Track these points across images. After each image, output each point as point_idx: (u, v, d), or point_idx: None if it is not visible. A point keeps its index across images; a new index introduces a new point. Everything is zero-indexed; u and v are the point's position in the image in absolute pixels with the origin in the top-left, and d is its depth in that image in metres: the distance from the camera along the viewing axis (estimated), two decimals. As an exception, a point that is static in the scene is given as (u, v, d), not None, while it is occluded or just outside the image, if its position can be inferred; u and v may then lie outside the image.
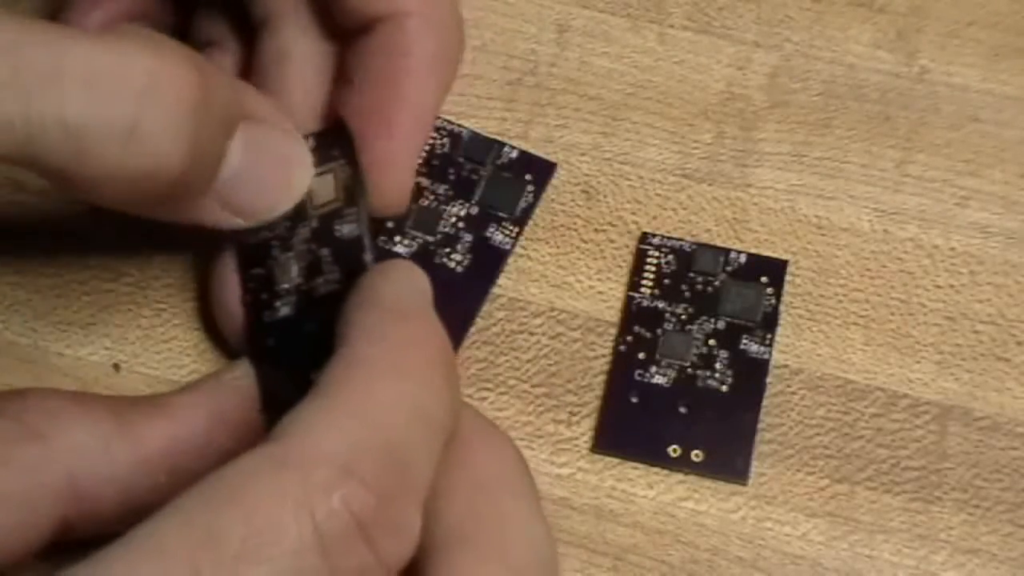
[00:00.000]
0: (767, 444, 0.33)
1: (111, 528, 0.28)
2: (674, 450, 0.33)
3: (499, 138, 0.36)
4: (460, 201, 0.35)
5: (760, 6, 0.38)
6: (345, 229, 0.32)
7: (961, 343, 0.34)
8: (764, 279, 0.35)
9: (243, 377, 0.31)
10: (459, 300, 0.34)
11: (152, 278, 0.35)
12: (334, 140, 0.32)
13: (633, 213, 0.36)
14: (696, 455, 0.33)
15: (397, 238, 0.35)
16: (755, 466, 0.33)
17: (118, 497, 0.28)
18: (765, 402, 0.33)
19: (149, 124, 0.28)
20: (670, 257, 0.35)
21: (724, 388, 0.33)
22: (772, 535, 0.32)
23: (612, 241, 0.35)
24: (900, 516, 0.32)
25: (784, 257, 0.35)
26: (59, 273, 0.35)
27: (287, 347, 0.32)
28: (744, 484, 0.33)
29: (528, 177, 0.36)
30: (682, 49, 0.38)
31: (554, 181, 0.36)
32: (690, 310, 0.34)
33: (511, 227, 0.35)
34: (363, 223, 0.32)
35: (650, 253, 0.35)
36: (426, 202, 0.35)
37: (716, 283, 0.35)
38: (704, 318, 0.34)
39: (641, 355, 0.34)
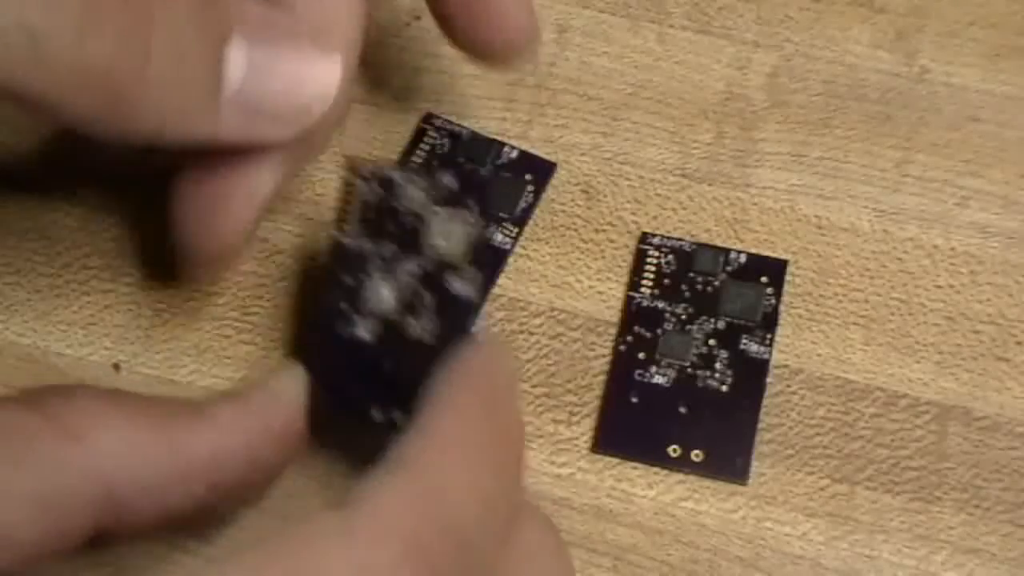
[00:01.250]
0: (767, 444, 0.33)
1: (145, 535, 0.28)
2: (674, 450, 0.33)
3: (499, 138, 0.36)
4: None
5: (760, 6, 0.38)
6: (458, 287, 0.30)
7: (961, 343, 0.34)
8: (764, 279, 0.35)
9: (293, 389, 0.30)
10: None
11: (152, 278, 0.35)
12: (475, 192, 0.31)
13: (633, 213, 0.36)
14: (696, 455, 0.33)
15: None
16: (755, 466, 0.33)
17: (154, 506, 0.28)
18: (765, 402, 0.33)
19: (97, 24, 0.27)
20: (670, 257, 0.35)
21: (724, 388, 0.33)
22: (772, 535, 0.32)
23: (612, 241, 0.35)
24: (900, 516, 0.32)
25: (784, 257, 0.35)
26: (59, 273, 0.35)
27: (353, 370, 0.30)
28: (744, 484, 0.33)
29: (528, 177, 0.36)
30: (682, 49, 0.38)
31: (554, 181, 0.36)
32: (690, 310, 0.34)
33: (511, 227, 0.35)
34: (481, 291, 0.31)
35: (650, 253, 0.35)
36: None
37: (716, 283, 0.35)
38: (704, 318, 0.34)
39: (641, 355, 0.34)
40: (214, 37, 0.29)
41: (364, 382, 0.30)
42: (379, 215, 0.31)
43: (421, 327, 0.30)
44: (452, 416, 0.27)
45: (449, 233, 0.31)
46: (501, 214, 0.35)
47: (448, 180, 0.31)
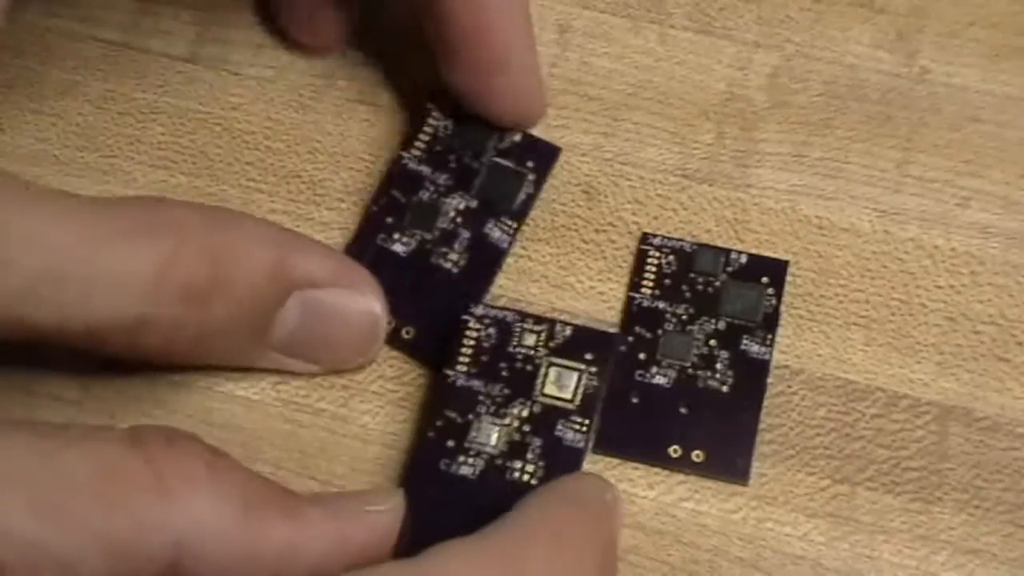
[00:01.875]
0: (768, 444, 0.33)
1: None
2: (675, 450, 0.33)
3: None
4: (459, 193, 0.35)
5: (761, 6, 0.38)
6: (569, 435, 0.31)
7: (962, 343, 0.34)
8: (765, 279, 0.35)
9: (388, 512, 0.30)
10: (456, 302, 0.34)
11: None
12: (595, 345, 0.32)
13: (634, 213, 0.36)
14: (697, 455, 0.33)
15: (396, 235, 0.35)
16: (756, 466, 0.33)
17: None
18: (766, 402, 0.33)
19: (156, 317, 0.29)
20: (671, 257, 0.35)
21: (725, 388, 0.33)
22: (773, 535, 0.32)
23: (613, 241, 0.35)
24: (901, 516, 0.32)
25: (785, 257, 0.35)
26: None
27: (450, 506, 0.31)
28: (745, 484, 0.33)
29: (530, 164, 0.36)
30: (683, 50, 0.38)
31: (554, 181, 0.36)
32: (691, 310, 0.34)
33: (509, 222, 0.35)
34: (590, 439, 0.32)
35: (651, 253, 0.35)
36: (426, 195, 0.35)
37: (717, 283, 0.34)
38: (705, 318, 0.34)
39: (642, 355, 0.34)
40: (275, 301, 0.31)
41: (460, 520, 0.30)
42: (492, 356, 0.32)
43: (525, 471, 0.31)
44: (542, 510, 0.28)
45: (563, 384, 0.32)
46: (499, 208, 0.35)
47: (569, 331, 0.32)
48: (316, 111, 0.37)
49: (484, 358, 0.32)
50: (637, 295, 0.35)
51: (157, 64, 0.38)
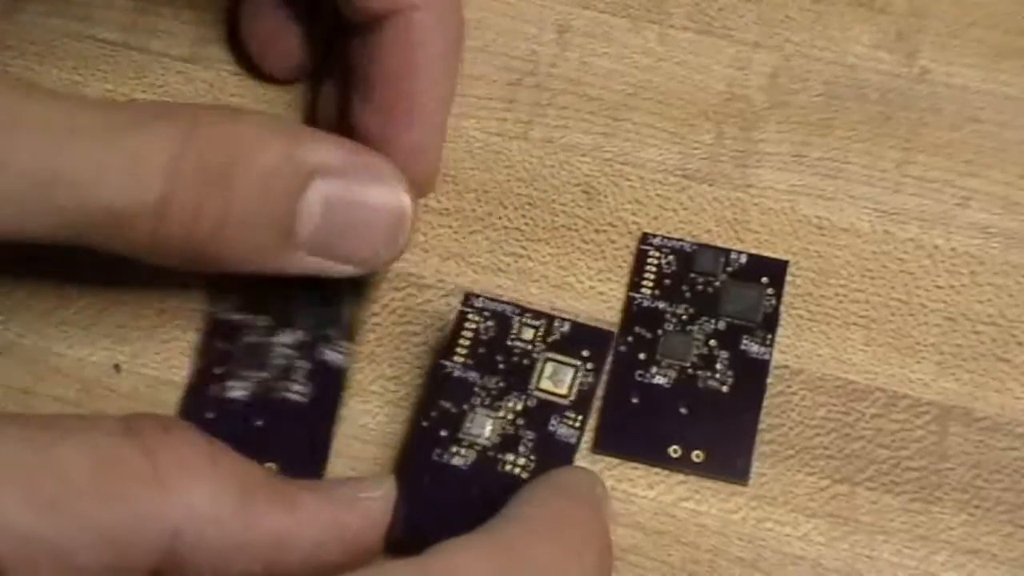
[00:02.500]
0: (767, 444, 0.33)
1: None
2: (674, 450, 0.33)
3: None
4: (288, 329, 0.34)
5: (760, 6, 0.38)
6: (562, 431, 0.31)
7: (962, 343, 0.34)
8: (764, 279, 0.35)
9: (382, 499, 0.30)
10: (307, 428, 0.33)
11: (153, 278, 0.35)
12: (592, 341, 0.32)
13: (633, 214, 0.36)
14: (697, 455, 0.33)
15: (230, 383, 0.33)
16: (755, 466, 0.33)
17: (211, 570, 0.28)
18: (765, 403, 0.33)
19: (176, 198, 0.29)
20: (671, 257, 0.35)
21: (725, 388, 0.33)
22: (772, 535, 0.32)
23: (612, 241, 0.35)
24: (900, 516, 0.32)
25: (784, 258, 0.35)
26: (59, 273, 0.35)
27: (441, 495, 0.31)
28: (744, 484, 0.33)
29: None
30: (683, 50, 0.38)
31: (554, 181, 0.36)
32: (690, 310, 0.34)
33: (344, 344, 0.34)
34: (583, 435, 0.32)
35: (650, 253, 0.35)
36: (251, 339, 0.34)
37: (716, 283, 0.34)
38: (704, 319, 0.34)
39: (641, 355, 0.34)
40: (294, 188, 0.31)
41: (450, 510, 0.30)
42: (489, 349, 0.32)
43: (516, 463, 0.31)
44: (542, 506, 0.28)
45: (559, 379, 0.32)
46: (330, 332, 0.34)
47: (567, 327, 0.32)
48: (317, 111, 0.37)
49: (481, 350, 0.32)
50: (637, 295, 0.35)
51: (157, 64, 0.38)
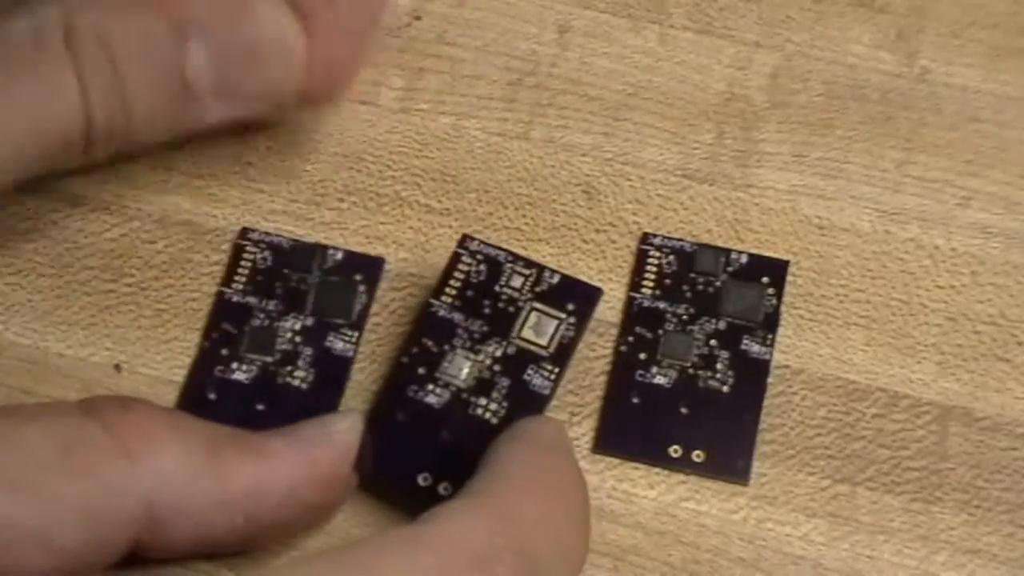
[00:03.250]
0: (768, 444, 0.33)
1: (181, 556, 0.28)
2: (675, 450, 0.33)
3: (323, 241, 0.35)
4: (293, 314, 0.34)
5: (761, 6, 0.38)
6: (537, 381, 0.32)
7: (962, 344, 0.34)
8: (765, 279, 0.35)
9: (348, 431, 0.30)
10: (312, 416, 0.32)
11: (152, 278, 0.35)
12: (579, 296, 0.32)
13: (634, 213, 0.36)
14: (697, 455, 0.33)
15: (234, 365, 0.33)
16: (756, 466, 0.33)
17: (193, 530, 0.28)
18: (766, 403, 0.33)
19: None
20: (671, 257, 0.35)
21: (725, 389, 0.33)
22: (773, 535, 0.32)
23: (613, 241, 0.35)
24: (901, 517, 0.32)
25: (785, 257, 0.35)
26: (59, 274, 0.35)
27: (413, 432, 0.31)
28: (745, 484, 0.33)
29: (358, 277, 0.34)
30: (683, 49, 0.38)
31: (554, 181, 0.36)
32: (691, 310, 0.34)
33: (350, 332, 0.34)
34: (556, 387, 0.32)
35: (651, 253, 0.35)
36: (257, 321, 0.34)
37: (717, 283, 0.34)
38: (705, 318, 0.34)
39: (642, 355, 0.34)
40: (174, 48, 0.31)
41: (421, 447, 0.31)
42: (477, 292, 0.32)
43: (488, 408, 0.31)
44: (521, 462, 0.28)
45: (541, 326, 0.32)
46: (338, 320, 0.34)
47: (551, 275, 0.33)
48: (316, 111, 0.37)
49: (469, 293, 0.32)
50: (637, 295, 0.35)
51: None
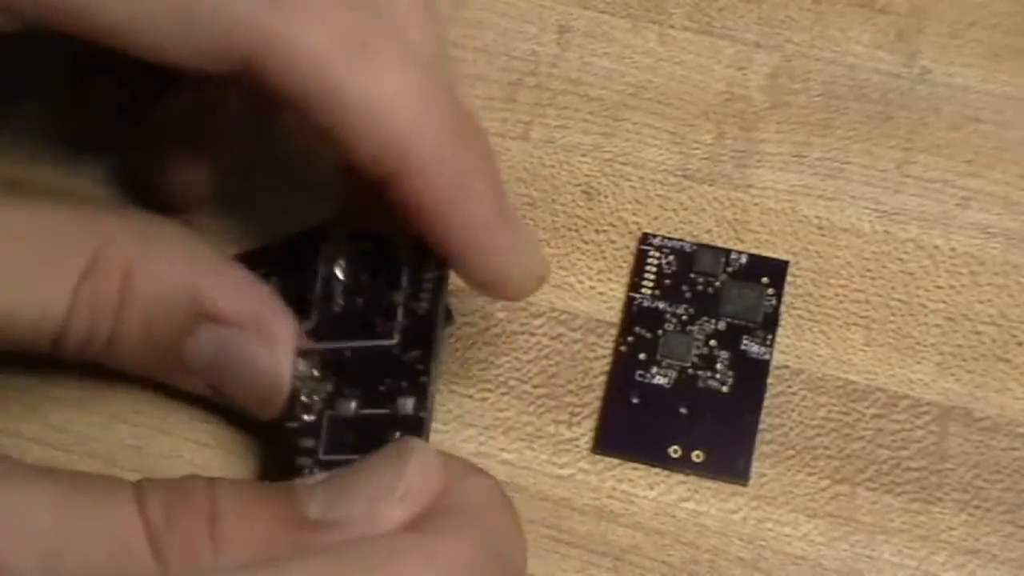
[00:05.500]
0: (768, 445, 0.33)
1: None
2: (675, 451, 0.33)
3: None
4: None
5: (761, 7, 0.38)
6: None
7: (962, 344, 0.34)
8: (765, 280, 0.35)
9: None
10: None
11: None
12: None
13: (634, 214, 0.36)
14: (697, 456, 0.33)
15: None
16: (756, 467, 0.33)
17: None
18: (766, 403, 0.33)
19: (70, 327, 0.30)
20: (671, 258, 0.35)
21: (725, 389, 0.33)
22: (773, 536, 0.32)
23: (613, 242, 0.35)
24: (901, 517, 0.32)
25: (785, 258, 0.35)
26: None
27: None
28: (745, 485, 0.33)
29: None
30: (683, 50, 0.38)
31: (554, 181, 0.36)
32: (691, 311, 0.34)
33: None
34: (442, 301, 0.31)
35: (651, 254, 0.35)
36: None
37: (717, 284, 0.35)
38: (705, 319, 0.34)
39: (642, 356, 0.34)
40: (180, 326, 0.30)
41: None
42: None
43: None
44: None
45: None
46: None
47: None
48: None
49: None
50: (637, 295, 0.35)
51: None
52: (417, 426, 0.30)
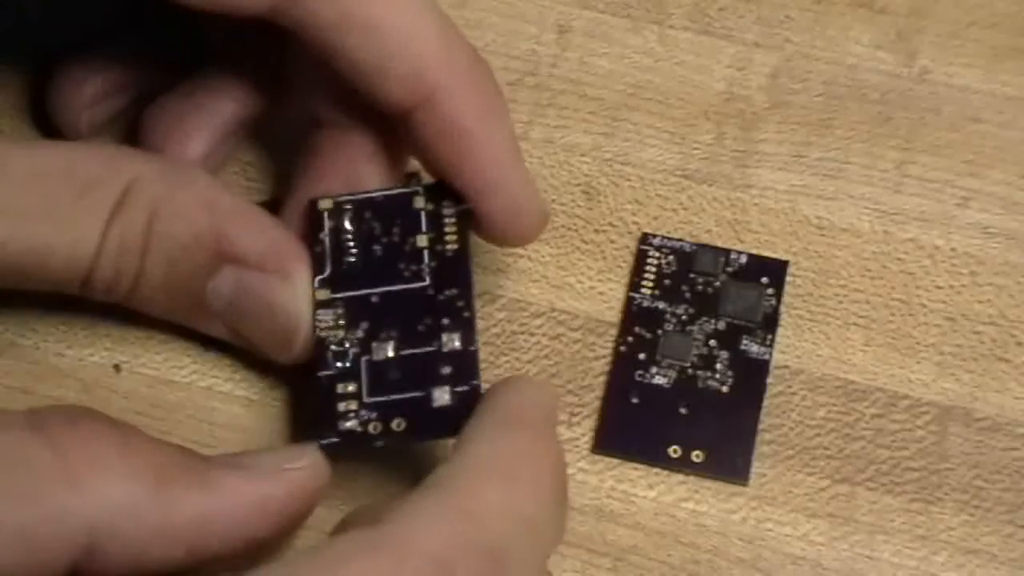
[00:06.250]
0: (767, 445, 0.33)
1: None
2: (674, 451, 0.33)
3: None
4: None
5: (761, 7, 0.38)
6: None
7: (962, 344, 0.34)
8: (764, 280, 0.35)
9: (305, 469, 0.30)
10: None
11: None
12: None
13: (633, 214, 0.36)
14: (697, 456, 0.33)
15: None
16: (755, 467, 0.33)
17: (132, 559, 0.27)
18: (765, 403, 0.33)
19: (98, 268, 0.31)
20: (670, 258, 0.35)
21: (724, 389, 0.33)
22: (772, 536, 0.32)
23: (612, 242, 0.35)
24: (900, 517, 0.32)
25: (784, 258, 0.35)
26: (59, 273, 0.35)
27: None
28: (744, 485, 0.33)
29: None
30: (683, 50, 0.38)
31: (554, 181, 0.36)
32: (690, 311, 0.34)
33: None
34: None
35: (650, 254, 0.35)
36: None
37: (716, 284, 0.35)
38: (704, 319, 0.34)
39: (641, 356, 0.34)
40: (202, 269, 0.31)
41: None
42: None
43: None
44: (480, 441, 0.28)
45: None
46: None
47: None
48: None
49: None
50: (637, 295, 0.35)
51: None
52: (469, 359, 0.31)
